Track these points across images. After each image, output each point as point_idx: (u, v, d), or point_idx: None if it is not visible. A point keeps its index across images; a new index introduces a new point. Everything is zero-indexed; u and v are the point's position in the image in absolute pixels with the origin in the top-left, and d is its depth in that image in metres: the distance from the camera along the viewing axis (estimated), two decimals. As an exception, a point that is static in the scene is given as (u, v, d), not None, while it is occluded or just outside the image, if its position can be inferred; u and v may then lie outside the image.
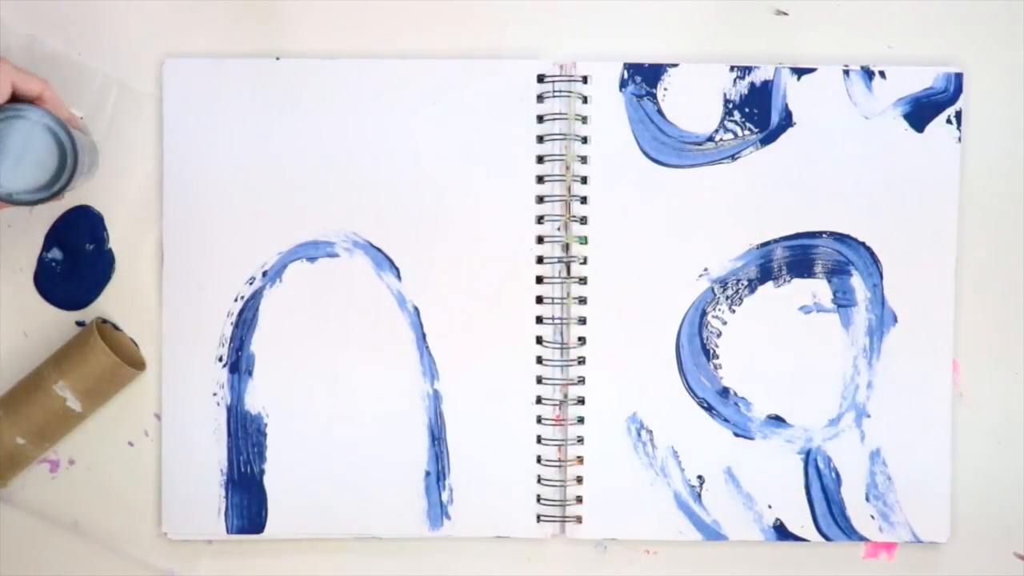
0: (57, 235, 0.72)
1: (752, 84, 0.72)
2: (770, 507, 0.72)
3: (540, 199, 0.71)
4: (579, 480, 0.72)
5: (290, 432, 0.71)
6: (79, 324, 0.72)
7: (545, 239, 0.71)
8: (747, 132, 0.72)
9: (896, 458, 0.72)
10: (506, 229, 0.71)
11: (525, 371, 0.71)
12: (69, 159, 0.61)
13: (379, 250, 0.71)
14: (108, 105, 0.71)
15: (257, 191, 0.71)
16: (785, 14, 0.72)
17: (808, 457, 0.72)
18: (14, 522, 0.72)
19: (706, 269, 0.72)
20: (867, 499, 0.72)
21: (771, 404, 0.72)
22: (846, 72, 0.72)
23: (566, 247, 0.71)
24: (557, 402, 0.71)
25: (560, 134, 0.71)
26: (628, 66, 0.71)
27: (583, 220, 0.71)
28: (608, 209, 0.71)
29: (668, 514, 0.72)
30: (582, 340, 0.72)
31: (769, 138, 0.72)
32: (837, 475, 0.72)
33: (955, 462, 0.72)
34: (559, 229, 0.71)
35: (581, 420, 0.72)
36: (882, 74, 0.72)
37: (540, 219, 0.71)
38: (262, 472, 0.71)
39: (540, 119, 0.71)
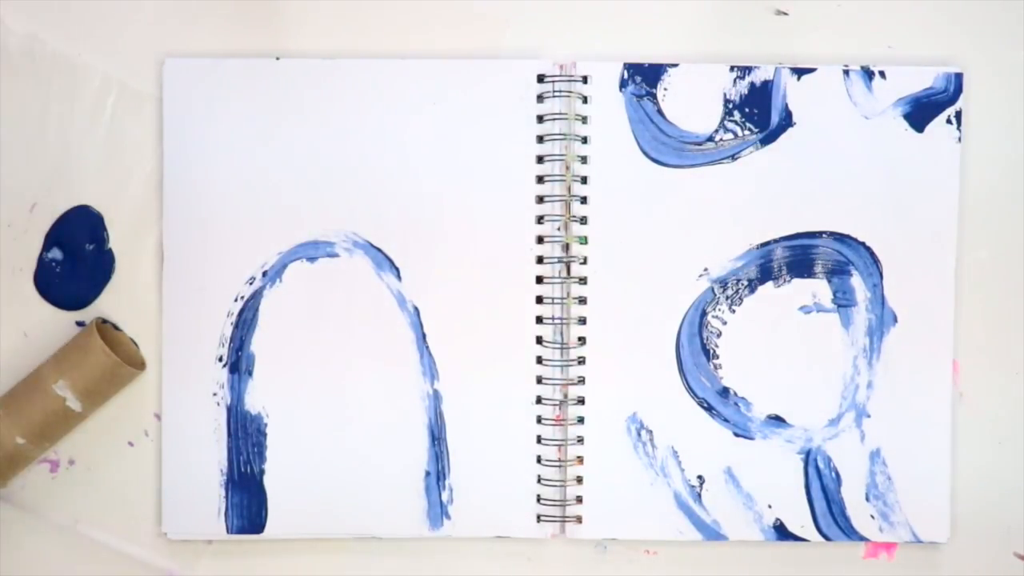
0: (57, 235, 0.72)
1: (752, 84, 0.72)
2: (770, 507, 0.72)
3: (540, 199, 0.71)
4: (579, 480, 0.72)
5: (290, 432, 0.71)
6: (79, 324, 0.72)
7: (545, 239, 0.71)
8: (747, 132, 0.72)
9: (896, 458, 0.72)
10: (506, 229, 0.71)
11: (525, 371, 0.71)
12: None
13: (379, 250, 0.71)
14: (108, 105, 0.71)
15: (257, 191, 0.71)
16: (785, 14, 0.72)
17: (808, 457, 0.72)
18: (14, 522, 0.72)
19: (706, 269, 0.72)
20: (867, 499, 0.72)
21: (771, 404, 0.72)
22: (846, 72, 0.72)
23: (566, 247, 0.71)
24: (557, 402, 0.71)
25: (560, 134, 0.71)
26: (628, 66, 0.71)
27: (583, 220, 0.71)
28: (608, 209, 0.71)
29: (668, 514, 0.72)
30: (582, 340, 0.72)
31: (769, 138, 0.72)
32: (837, 475, 0.72)
33: (955, 462, 0.72)
34: (559, 229, 0.72)
35: (581, 420, 0.72)
36: (882, 74, 0.72)
37: (540, 219, 0.71)
38: (262, 472, 0.71)
39: (540, 119, 0.71)
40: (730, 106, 0.72)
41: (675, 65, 0.72)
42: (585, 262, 0.71)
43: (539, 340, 0.71)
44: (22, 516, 0.72)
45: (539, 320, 0.71)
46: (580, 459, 0.72)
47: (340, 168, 0.71)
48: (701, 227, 0.72)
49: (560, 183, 0.71)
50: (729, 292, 0.72)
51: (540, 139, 0.71)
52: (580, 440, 0.72)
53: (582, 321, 0.71)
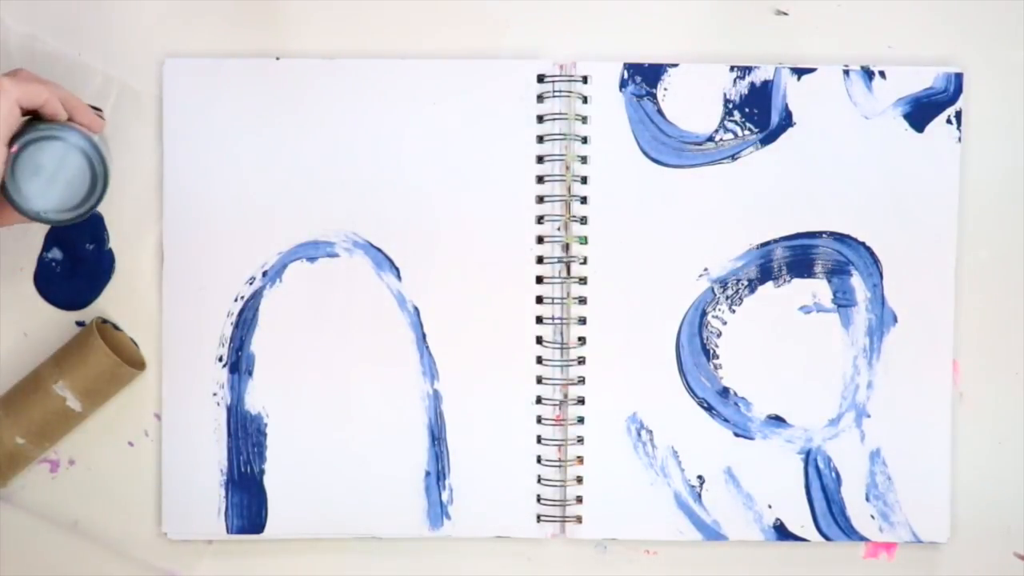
0: (57, 235, 0.72)
1: (752, 84, 0.72)
2: (770, 507, 0.72)
3: (540, 199, 0.71)
4: (579, 480, 0.72)
5: (290, 432, 0.71)
6: (79, 324, 0.72)
7: (545, 239, 0.71)
8: (747, 132, 0.72)
9: (896, 458, 0.72)
10: (506, 229, 0.71)
11: (525, 371, 0.71)
12: (99, 182, 0.62)
13: (379, 250, 0.71)
14: (108, 105, 0.71)
15: (257, 191, 0.71)
16: (785, 14, 0.72)
17: (808, 457, 0.72)
18: (14, 522, 0.72)
19: (706, 269, 0.72)
20: (867, 499, 0.72)
21: (771, 404, 0.72)
22: (846, 72, 0.72)
23: (566, 247, 0.71)
24: (557, 402, 0.71)
25: (560, 134, 0.71)
26: (628, 66, 0.71)
27: (583, 220, 0.71)
28: (608, 209, 0.71)
29: (668, 514, 0.72)
30: (582, 340, 0.72)
31: (769, 138, 0.72)
32: (837, 475, 0.72)
33: (955, 462, 0.72)
34: (559, 229, 0.72)
35: (581, 420, 0.72)
36: (882, 74, 0.72)
37: (540, 219, 0.71)
38: (262, 472, 0.71)
39: (540, 119, 0.71)
40: (730, 106, 0.72)
41: (675, 65, 0.72)
42: (585, 262, 0.71)
43: (539, 340, 0.71)
44: (22, 516, 0.72)
45: (539, 320, 0.71)
46: (580, 459, 0.72)
47: (340, 168, 0.71)
48: (701, 227, 0.72)
49: (560, 183, 0.71)
50: (729, 292, 0.72)
51: (540, 139, 0.71)
52: (580, 440, 0.72)
53: (582, 321, 0.71)
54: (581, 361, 0.71)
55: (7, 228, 0.71)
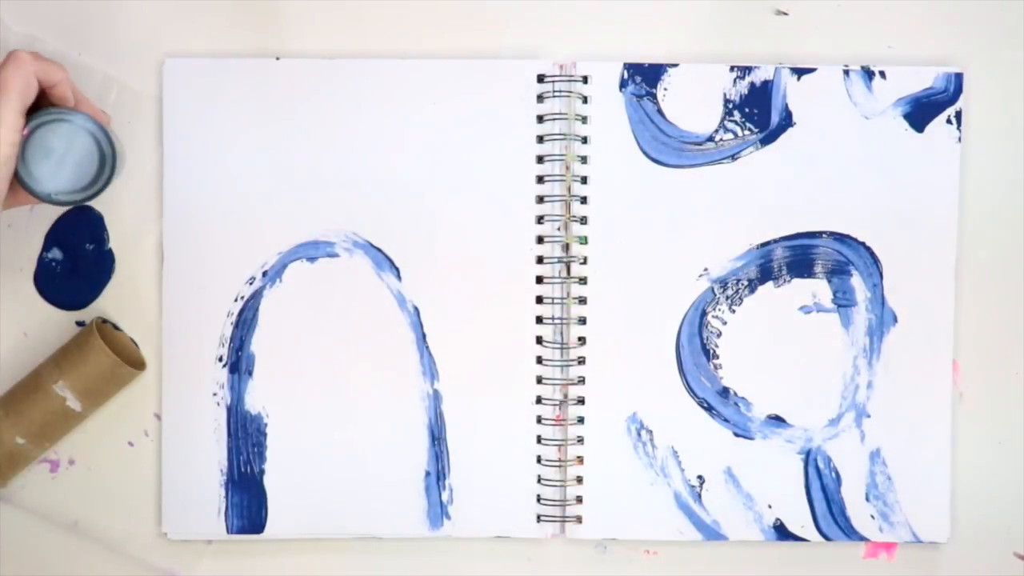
0: (57, 235, 0.72)
1: (752, 84, 0.72)
2: (770, 507, 0.72)
3: (540, 199, 0.71)
4: (579, 480, 0.72)
5: (290, 432, 0.71)
6: (79, 324, 0.72)
7: (545, 239, 0.71)
8: (747, 132, 0.72)
9: (896, 458, 0.72)
10: (506, 229, 0.71)
11: (525, 371, 0.71)
12: (108, 163, 0.63)
13: (379, 250, 0.71)
14: (108, 105, 0.71)
15: (257, 191, 0.71)
16: (785, 14, 0.72)
17: (808, 457, 0.72)
18: (14, 522, 0.72)
19: (706, 269, 0.72)
20: (867, 499, 0.72)
21: (771, 404, 0.72)
22: (846, 72, 0.72)
23: (566, 247, 0.71)
24: (557, 402, 0.71)
25: (560, 134, 0.71)
26: (628, 66, 0.71)
27: (583, 220, 0.71)
28: (608, 209, 0.71)
29: (668, 514, 0.72)
30: (582, 340, 0.72)
31: (769, 138, 0.72)
32: (837, 475, 0.72)
33: (955, 462, 0.72)
34: (559, 229, 0.72)
35: (581, 420, 0.72)
36: (882, 74, 0.72)
37: (540, 219, 0.71)
38: (262, 472, 0.71)
39: (540, 119, 0.71)
40: (730, 106, 0.72)
41: (675, 65, 0.72)
42: (585, 262, 0.71)
43: (539, 340, 0.71)
44: (22, 516, 0.72)
45: (539, 320, 0.71)
46: (580, 459, 0.72)
47: (340, 168, 0.71)
48: (701, 227, 0.72)
49: (560, 183, 0.71)
50: (729, 292, 0.72)
51: (540, 139, 0.71)
52: (580, 440, 0.72)
53: (582, 321, 0.71)
54: (581, 361, 0.71)
55: (7, 227, 0.71)
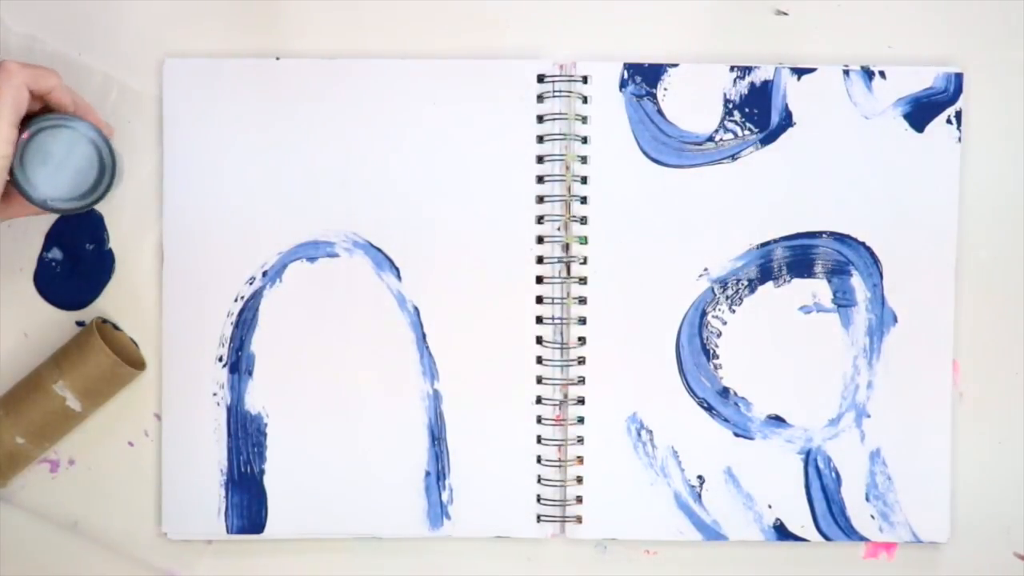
0: (57, 235, 0.72)
1: (752, 84, 0.72)
2: (770, 507, 0.72)
3: (540, 199, 0.71)
4: (579, 480, 0.72)
5: (290, 432, 0.71)
6: (79, 324, 0.72)
7: (545, 239, 0.71)
8: (747, 132, 0.72)
9: (896, 458, 0.72)
10: (506, 229, 0.71)
11: (525, 371, 0.71)
12: (107, 171, 0.63)
13: (379, 250, 0.71)
14: (108, 105, 0.71)
15: (257, 191, 0.71)
16: (785, 14, 0.72)
17: (808, 457, 0.72)
18: (14, 522, 0.72)
19: (706, 269, 0.72)
20: (867, 499, 0.72)
21: (771, 404, 0.72)
22: (846, 72, 0.72)
23: (566, 247, 0.71)
24: (557, 402, 0.71)
25: (560, 134, 0.71)
26: (628, 66, 0.71)
27: (583, 220, 0.71)
28: (608, 209, 0.71)
29: (668, 514, 0.72)
30: (582, 340, 0.72)
31: (769, 138, 0.72)
32: (837, 475, 0.72)
33: (955, 462, 0.72)
34: (559, 229, 0.72)
35: (581, 420, 0.72)
36: (882, 74, 0.72)
37: (540, 219, 0.71)
38: (262, 472, 0.71)
39: (540, 119, 0.71)
40: (730, 106, 0.72)
41: (675, 65, 0.72)
42: (585, 262, 0.71)
43: (539, 340, 0.71)
44: (22, 516, 0.72)
45: (539, 320, 0.71)
46: (580, 459, 0.72)
47: (340, 168, 0.71)
48: (701, 227, 0.72)
49: (560, 183, 0.71)
50: (729, 292, 0.72)
51: (540, 139, 0.71)
52: (580, 440, 0.72)
53: (582, 321, 0.71)
54: (581, 361, 0.71)
55: (7, 227, 0.71)
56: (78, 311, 0.72)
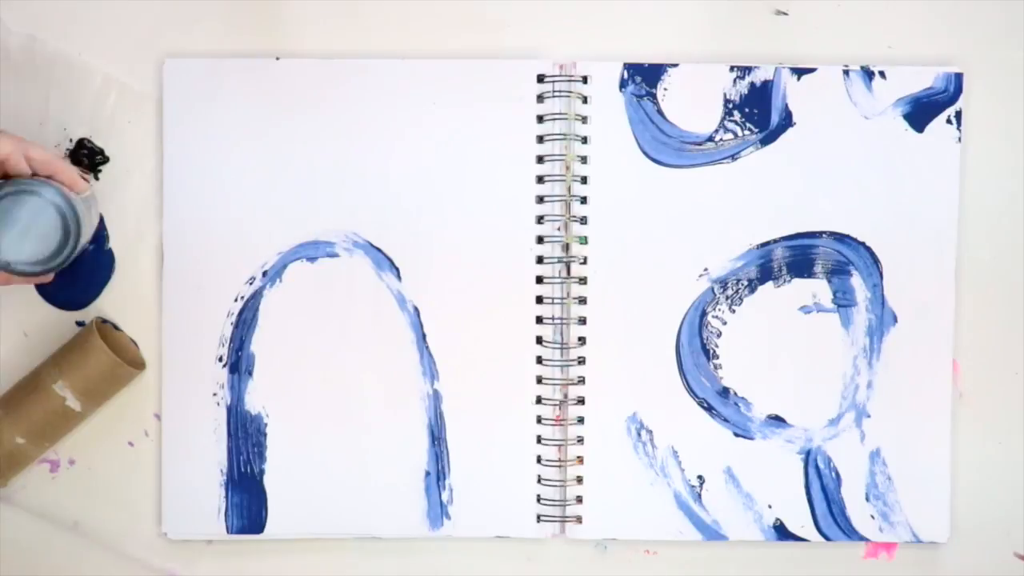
0: (57, 235, 0.72)
1: (752, 84, 0.72)
2: (770, 507, 0.72)
3: (540, 199, 0.71)
4: (579, 480, 0.72)
5: (290, 432, 0.71)
6: (79, 324, 0.72)
7: (545, 239, 0.71)
8: (747, 132, 0.72)
9: (896, 458, 0.72)
10: (506, 229, 0.71)
11: (525, 371, 0.71)
12: (71, 238, 0.63)
13: (379, 250, 0.71)
14: (108, 105, 0.71)
15: (257, 191, 0.71)
16: (785, 14, 0.72)
17: (808, 457, 0.72)
18: (14, 522, 0.72)
19: (706, 269, 0.72)
20: (867, 499, 0.72)
21: (771, 404, 0.72)
22: (846, 72, 0.72)
23: (566, 247, 0.71)
24: (557, 402, 0.71)
25: (560, 134, 0.71)
26: (628, 66, 0.71)
27: (583, 220, 0.71)
28: (608, 209, 0.71)
29: (668, 514, 0.72)
30: (582, 340, 0.72)
31: (769, 138, 0.72)
32: (837, 475, 0.72)
33: (955, 462, 0.72)
34: (559, 229, 0.72)
35: (581, 420, 0.72)
36: (882, 74, 0.72)
37: (540, 219, 0.71)
38: (262, 472, 0.71)
39: (540, 119, 0.71)
40: (730, 106, 0.72)
41: (675, 65, 0.72)
42: (585, 262, 0.71)
43: (539, 340, 0.71)
44: (22, 516, 0.72)
45: (539, 320, 0.71)
46: (580, 459, 0.72)
47: (340, 168, 0.71)
48: (701, 227, 0.72)
49: (560, 183, 0.71)
50: (729, 292, 0.72)
51: (540, 139, 0.71)
52: (580, 440, 0.72)
53: (582, 321, 0.71)
54: (581, 361, 0.71)
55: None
56: (78, 311, 0.72)
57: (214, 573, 0.72)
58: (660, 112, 0.71)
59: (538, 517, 0.72)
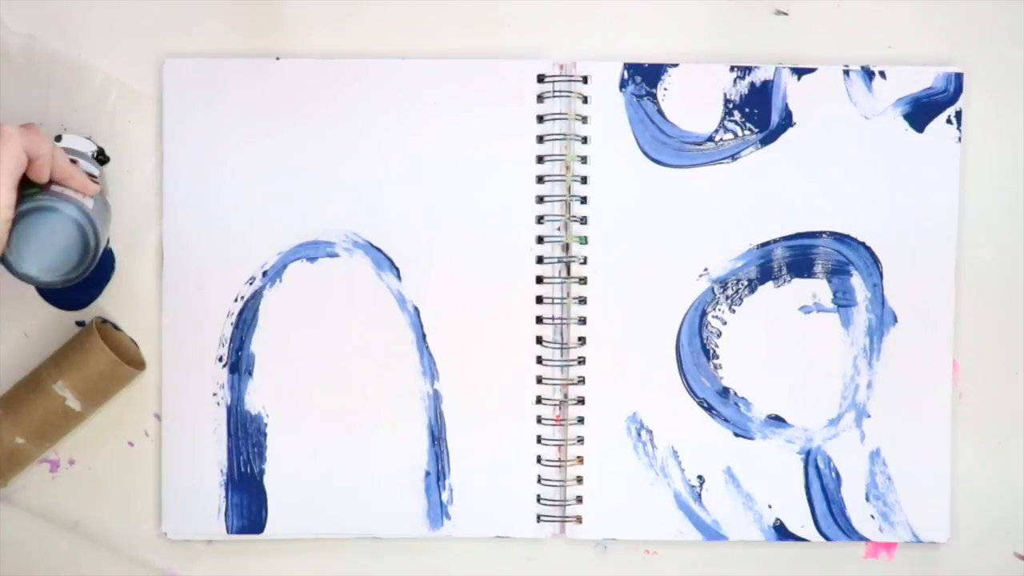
0: (57, 235, 0.72)
1: (752, 84, 0.72)
2: (770, 507, 0.72)
3: (540, 199, 0.71)
4: (579, 480, 0.72)
5: (290, 432, 0.71)
6: (79, 324, 0.72)
7: (545, 239, 0.71)
8: (747, 132, 0.72)
9: (896, 458, 0.72)
10: (506, 229, 0.71)
11: (525, 371, 0.71)
12: (92, 249, 0.63)
13: (379, 250, 0.71)
14: (108, 105, 0.71)
15: (257, 191, 0.71)
16: (785, 14, 0.72)
17: (808, 457, 0.72)
18: (14, 522, 0.72)
19: (706, 269, 0.72)
20: (867, 499, 0.72)
21: (771, 404, 0.72)
22: (846, 72, 0.72)
23: (566, 247, 0.71)
24: (557, 402, 0.71)
25: (560, 134, 0.71)
26: (628, 66, 0.71)
27: (583, 220, 0.71)
28: (608, 209, 0.71)
29: (668, 514, 0.72)
30: (582, 340, 0.72)
31: (769, 138, 0.72)
32: (837, 475, 0.72)
33: (955, 462, 0.72)
34: (559, 229, 0.72)
35: (581, 420, 0.72)
36: (882, 74, 0.72)
37: (540, 219, 0.71)
38: (262, 472, 0.71)
39: (540, 119, 0.71)
40: (730, 106, 0.72)
41: (675, 65, 0.72)
42: (585, 262, 0.71)
43: (539, 340, 0.71)
44: (22, 516, 0.72)
45: (539, 320, 0.71)
46: (580, 459, 0.72)
47: (340, 168, 0.71)
48: (701, 227, 0.72)
49: (560, 183, 0.71)
50: (729, 292, 0.72)
51: (540, 139, 0.71)
52: (580, 440, 0.72)
53: (582, 321, 0.71)
54: (581, 361, 0.71)
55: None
56: (78, 311, 0.72)
57: (214, 573, 0.72)
58: (660, 112, 0.72)
59: (538, 517, 0.72)
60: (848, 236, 0.72)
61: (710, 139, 0.72)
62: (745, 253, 0.72)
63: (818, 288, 0.72)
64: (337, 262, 0.72)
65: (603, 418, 0.72)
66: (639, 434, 0.72)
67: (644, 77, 0.72)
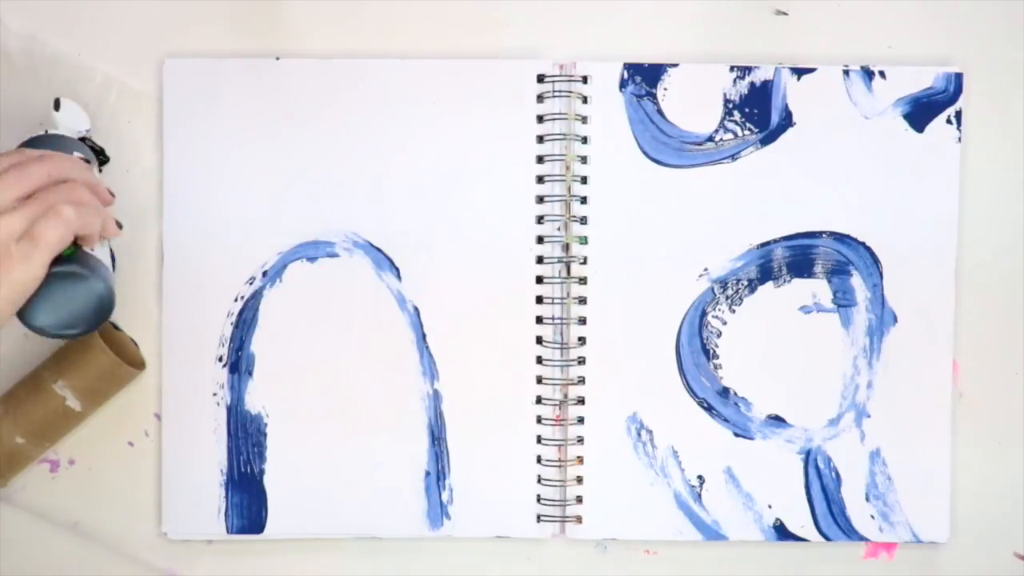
0: (57, 235, 0.72)
1: (752, 84, 0.72)
2: (770, 507, 0.72)
3: (540, 199, 0.71)
4: (579, 480, 0.72)
5: (290, 432, 0.71)
6: (79, 324, 0.72)
7: (545, 239, 0.71)
8: (747, 132, 0.72)
9: (896, 458, 0.72)
10: (506, 229, 0.71)
11: (525, 371, 0.71)
12: (104, 313, 0.63)
13: (379, 250, 0.71)
14: (108, 105, 0.71)
15: (257, 191, 0.71)
16: (785, 14, 0.72)
17: (808, 457, 0.72)
18: (14, 522, 0.72)
19: (706, 269, 0.72)
20: (867, 499, 0.72)
21: (771, 404, 0.72)
22: (846, 72, 0.72)
23: (566, 247, 0.71)
24: (557, 402, 0.71)
25: (560, 134, 0.71)
26: (628, 66, 0.71)
27: (583, 220, 0.71)
28: (608, 209, 0.71)
29: (668, 514, 0.72)
30: (582, 340, 0.71)
31: (769, 138, 0.72)
32: (837, 475, 0.72)
33: (955, 462, 0.72)
34: (559, 229, 0.72)
35: (581, 420, 0.72)
36: (882, 74, 0.72)
37: (540, 219, 0.71)
38: (262, 472, 0.71)
39: (540, 119, 0.71)
40: (730, 106, 0.72)
41: (675, 65, 0.72)
42: (585, 262, 0.71)
43: (539, 340, 0.71)
44: (22, 516, 0.72)
45: (539, 320, 0.71)
46: (580, 459, 0.72)
47: (340, 168, 0.71)
48: (701, 227, 0.72)
49: (560, 183, 0.71)
50: (729, 292, 0.72)
51: (540, 139, 0.71)
52: (580, 440, 0.72)
53: (582, 321, 0.71)
54: (581, 361, 0.71)
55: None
56: (78, 311, 0.72)
57: (214, 573, 0.72)
58: (660, 112, 0.72)
59: (538, 517, 0.72)
60: (848, 236, 0.72)
61: (710, 139, 0.72)
62: (745, 253, 0.72)
63: (818, 288, 0.72)
64: (337, 262, 0.72)
65: (603, 418, 0.72)
66: (639, 434, 0.72)
67: (644, 77, 0.72)
